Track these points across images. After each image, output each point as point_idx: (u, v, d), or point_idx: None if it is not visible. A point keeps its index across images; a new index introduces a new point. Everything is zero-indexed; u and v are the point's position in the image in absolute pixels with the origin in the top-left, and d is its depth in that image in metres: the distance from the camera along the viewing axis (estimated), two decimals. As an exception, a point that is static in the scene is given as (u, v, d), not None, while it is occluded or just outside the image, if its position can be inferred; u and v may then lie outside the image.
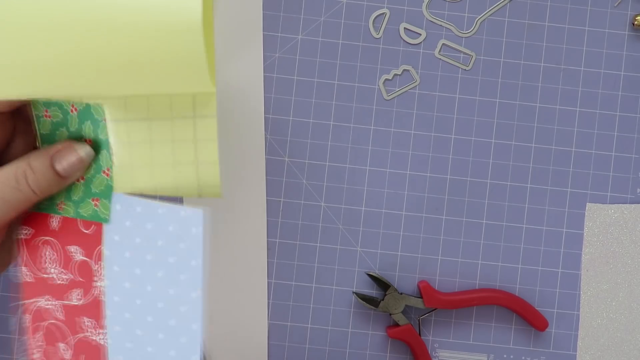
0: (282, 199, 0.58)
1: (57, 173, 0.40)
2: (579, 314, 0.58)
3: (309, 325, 0.58)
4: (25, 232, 0.43)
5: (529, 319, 0.57)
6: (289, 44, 0.58)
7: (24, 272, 0.44)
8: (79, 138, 0.42)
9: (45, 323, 0.44)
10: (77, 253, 0.43)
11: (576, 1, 0.58)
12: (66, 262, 0.43)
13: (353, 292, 0.57)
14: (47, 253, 0.44)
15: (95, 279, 0.42)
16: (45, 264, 0.44)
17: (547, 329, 0.58)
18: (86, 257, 0.42)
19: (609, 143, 0.58)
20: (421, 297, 0.57)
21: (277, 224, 0.58)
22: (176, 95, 0.40)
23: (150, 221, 0.40)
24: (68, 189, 0.42)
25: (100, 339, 0.42)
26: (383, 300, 0.57)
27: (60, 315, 0.44)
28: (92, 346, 0.43)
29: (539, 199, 0.58)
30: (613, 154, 0.58)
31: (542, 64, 0.58)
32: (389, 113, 0.58)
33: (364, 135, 0.58)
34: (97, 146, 0.42)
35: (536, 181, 0.58)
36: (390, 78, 0.58)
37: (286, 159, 0.58)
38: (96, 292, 0.42)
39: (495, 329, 0.58)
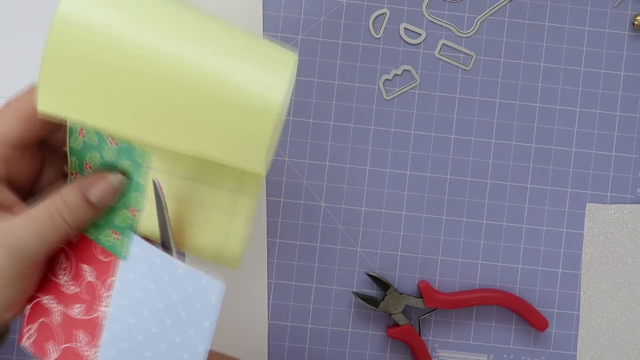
0: (282, 199, 0.58)
1: (90, 204, 0.41)
2: (579, 314, 0.58)
3: (309, 325, 0.58)
4: (49, 253, 0.44)
5: (529, 319, 0.57)
6: (289, 44, 0.58)
7: None
8: (111, 169, 0.43)
9: (42, 319, 0.44)
10: (89, 274, 0.44)
11: (576, 1, 0.58)
12: (76, 276, 0.44)
13: (353, 292, 0.57)
14: (61, 260, 0.44)
15: (102, 303, 0.43)
16: (57, 268, 0.44)
17: (547, 329, 0.58)
18: (97, 280, 0.43)
19: (609, 143, 0.58)
20: (421, 297, 0.57)
21: (277, 224, 0.58)
22: (226, 167, 0.41)
23: (168, 275, 0.41)
24: None
25: (90, 355, 0.43)
26: (383, 300, 0.57)
27: (58, 319, 0.44)
28: (80, 358, 0.43)
29: (539, 199, 0.58)
30: (613, 154, 0.58)
31: (542, 64, 0.58)
32: (389, 113, 0.58)
33: (364, 135, 0.58)
34: (131, 187, 0.42)
35: (536, 181, 0.58)
36: (390, 78, 0.58)
37: (286, 159, 0.58)
38: (98, 314, 0.43)
39: (495, 329, 0.58)
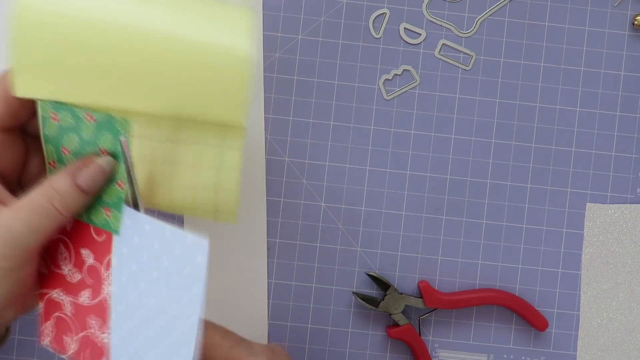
0: (282, 199, 0.58)
1: (81, 190, 0.41)
2: (579, 314, 0.58)
3: (309, 325, 0.58)
4: (42, 242, 0.44)
5: (529, 319, 0.57)
6: (289, 44, 0.58)
7: (39, 264, 0.45)
8: (92, 146, 0.42)
9: (56, 314, 0.45)
10: (88, 257, 0.44)
11: (576, 1, 0.58)
12: (77, 263, 0.44)
13: (353, 292, 0.57)
14: (61, 251, 0.44)
15: (105, 284, 0.43)
16: (58, 260, 0.44)
17: (547, 329, 0.58)
18: (97, 261, 0.43)
19: (609, 143, 0.58)
20: (421, 297, 0.57)
21: (277, 224, 0.58)
22: (207, 124, 0.41)
23: (157, 241, 0.41)
24: None
25: (104, 338, 0.43)
26: (383, 300, 0.57)
27: (69, 310, 0.44)
28: (96, 344, 0.43)
29: (539, 199, 0.58)
30: (613, 154, 0.58)
31: (542, 64, 0.58)
32: (389, 113, 0.58)
33: (364, 135, 0.58)
34: (114, 157, 0.42)
35: (536, 181, 0.58)
36: (390, 78, 0.58)
37: (286, 159, 0.58)
38: (104, 295, 0.43)
39: (495, 329, 0.58)
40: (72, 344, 0.44)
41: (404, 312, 0.58)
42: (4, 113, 0.41)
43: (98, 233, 0.43)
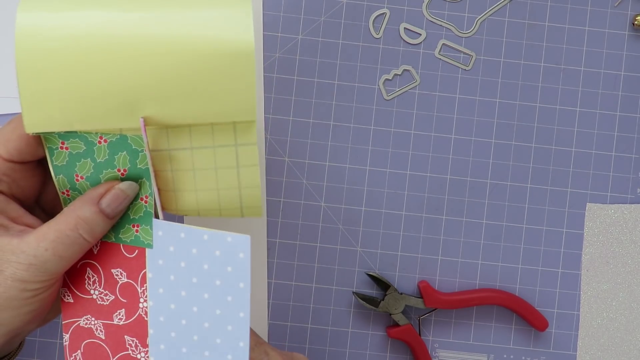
0: (282, 199, 0.58)
1: (106, 215, 0.41)
2: (579, 314, 0.58)
3: (309, 325, 0.58)
4: (69, 266, 0.44)
5: (529, 319, 0.57)
6: (289, 44, 0.58)
7: (62, 293, 0.44)
8: (108, 168, 0.42)
9: (85, 341, 0.44)
10: (121, 276, 0.44)
11: (576, 1, 0.58)
12: (109, 284, 0.44)
13: (353, 292, 0.57)
14: (89, 275, 0.44)
15: (141, 299, 0.43)
16: (86, 285, 0.44)
17: (547, 329, 0.58)
18: (130, 279, 0.43)
19: (609, 143, 0.58)
20: (421, 297, 0.57)
21: (277, 224, 0.58)
22: (217, 125, 0.41)
23: (195, 246, 0.41)
24: None
25: (143, 357, 0.43)
26: (383, 300, 0.57)
27: (101, 334, 0.44)
28: None
29: (539, 199, 0.58)
30: (613, 154, 0.58)
31: (542, 64, 0.58)
32: (389, 113, 0.58)
33: (364, 135, 0.58)
34: (134, 175, 0.43)
35: (536, 181, 0.58)
36: (390, 78, 0.58)
37: (286, 159, 0.58)
38: (140, 312, 0.43)
39: (495, 329, 0.58)
40: None
41: (404, 312, 0.58)
42: (21, 149, 0.42)
43: (129, 250, 0.43)
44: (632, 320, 0.58)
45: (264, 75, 0.58)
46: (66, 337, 0.44)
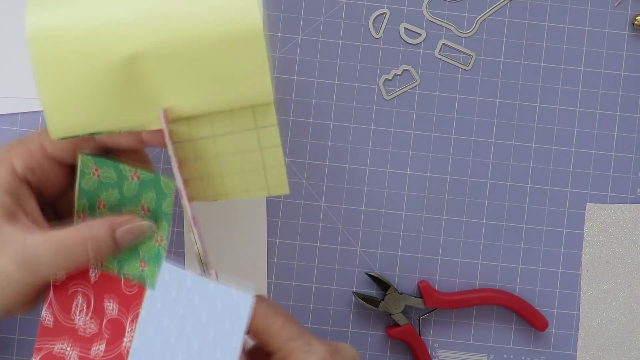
0: (282, 199, 0.58)
1: (116, 242, 0.42)
2: (579, 314, 0.58)
3: (309, 325, 0.58)
4: (59, 276, 0.44)
5: (529, 319, 0.57)
6: (289, 44, 0.58)
7: (44, 315, 0.44)
8: (133, 204, 0.43)
9: None
10: (112, 310, 0.43)
11: (576, 1, 0.58)
12: (97, 315, 0.43)
13: (353, 292, 0.57)
14: (78, 302, 0.44)
15: (125, 337, 0.43)
16: (72, 312, 0.44)
17: (547, 329, 0.58)
18: (120, 315, 0.43)
19: (609, 143, 0.58)
20: (421, 297, 0.57)
21: (277, 224, 0.58)
22: (237, 111, 0.42)
23: (198, 295, 0.41)
24: None
25: None
26: (383, 300, 0.57)
27: None
28: None
29: (539, 199, 0.58)
30: (613, 154, 0.58)
31: (542, 64, 0.58)
32: (389, 113, 0.58)
33: (364, 135, 0.58)
34: (155, 216, 0.43)
35: (536, 181, 0.58)
36: (390, 78, 0.58)
37: (286, 159, 0.58)
38: (122, 350, 0.43)
39: (495, 329, 0.58)
40: None
41: (404, 312, 0.58)
42: (66, 149, 0.42)
43: (129, 286, 0.43)
44: (632, 320, 0.58)
45: (264, 75, 0.58)
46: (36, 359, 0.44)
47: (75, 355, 0.43)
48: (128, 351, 0.42)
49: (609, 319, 0.58)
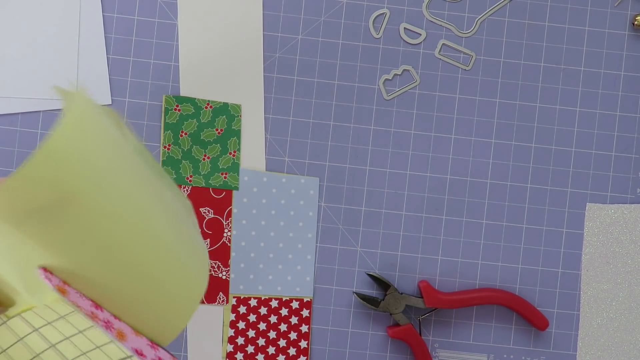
0: (282, 199, 0.58)
1: None
2: (579, 314, 0.58)
3: (309, 325, 0.58)
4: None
5: (529, 318, 0.57)
6: (289, 44, 0.58)
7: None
8: (209, 127, 0.56)
9: None
10: (208, 213, 0.56)
11: (576, 1, 0.58)
12: (198, 218, 0.56)
13: (353, 292, 0.57)
14: None
15: (225, 230, 0.56)
16: None
17: (547, 329, 0.58)
18: (217, 215, 0.56)
19: (609, 143, 0.58)
20: (421, 297, 0.57)
21: (277, 224, 0.58)
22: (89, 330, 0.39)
23: (274, 187, 0.57)
24: (195, 166, 0.56)
25: (224, 275, 0.56)
26: (383, 300, 0.57)
27: None
28: (219, 280, 0.56)
29: (539, 199, 0.58)
30: (613, 154, 0.58)
31: (542, 64, 0.58)
32: (389, 113, 0.58)
33: (364, 135, 0.58)
34: (228, 134, 0.56)
35: (536, 181, 0.58)
36: (390, 78, 0.58)
37: (286, 159, 0.58)
38: (224, 239, 0.56)
39: (495, 329, 0.58)
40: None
41: (404, 312, 0.58)
42: None
43: (217, 193, 0.56)
44: (632, 320, 0.58)
45: (264, 75, 0.58)
46: None
47: None
48: (229, 239, 0.56)
49: (609, 319, 0.58)
